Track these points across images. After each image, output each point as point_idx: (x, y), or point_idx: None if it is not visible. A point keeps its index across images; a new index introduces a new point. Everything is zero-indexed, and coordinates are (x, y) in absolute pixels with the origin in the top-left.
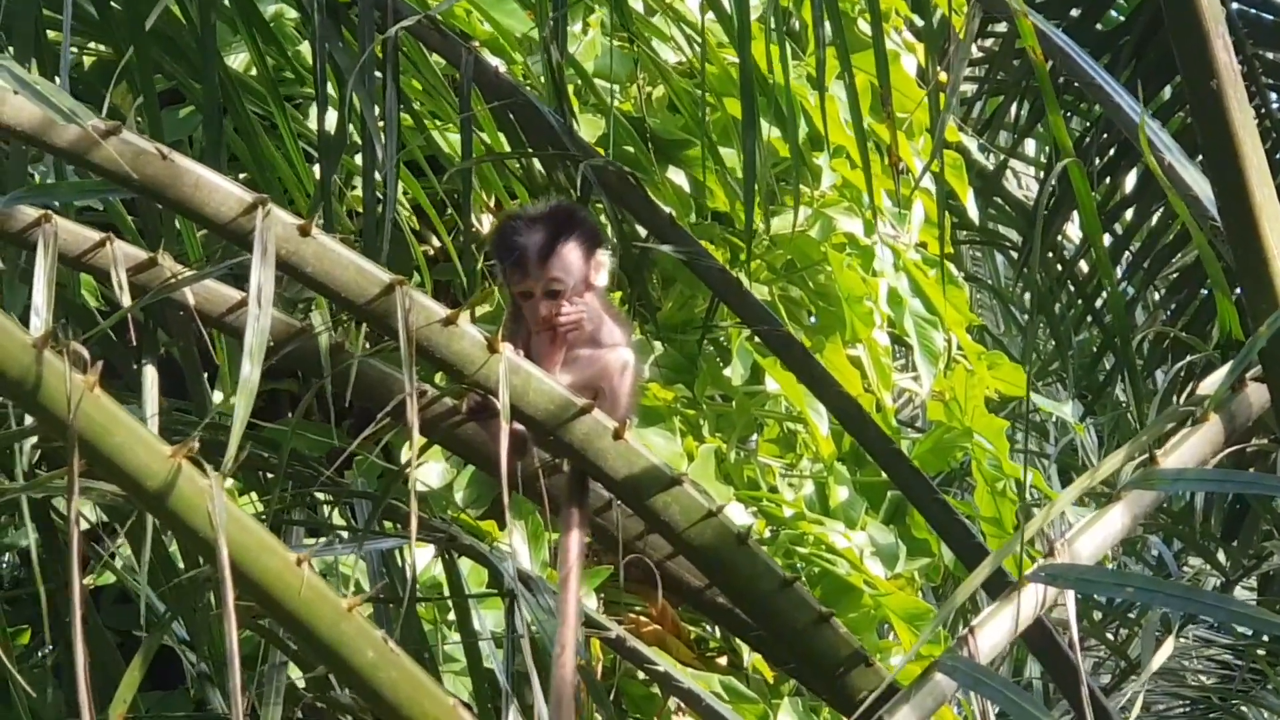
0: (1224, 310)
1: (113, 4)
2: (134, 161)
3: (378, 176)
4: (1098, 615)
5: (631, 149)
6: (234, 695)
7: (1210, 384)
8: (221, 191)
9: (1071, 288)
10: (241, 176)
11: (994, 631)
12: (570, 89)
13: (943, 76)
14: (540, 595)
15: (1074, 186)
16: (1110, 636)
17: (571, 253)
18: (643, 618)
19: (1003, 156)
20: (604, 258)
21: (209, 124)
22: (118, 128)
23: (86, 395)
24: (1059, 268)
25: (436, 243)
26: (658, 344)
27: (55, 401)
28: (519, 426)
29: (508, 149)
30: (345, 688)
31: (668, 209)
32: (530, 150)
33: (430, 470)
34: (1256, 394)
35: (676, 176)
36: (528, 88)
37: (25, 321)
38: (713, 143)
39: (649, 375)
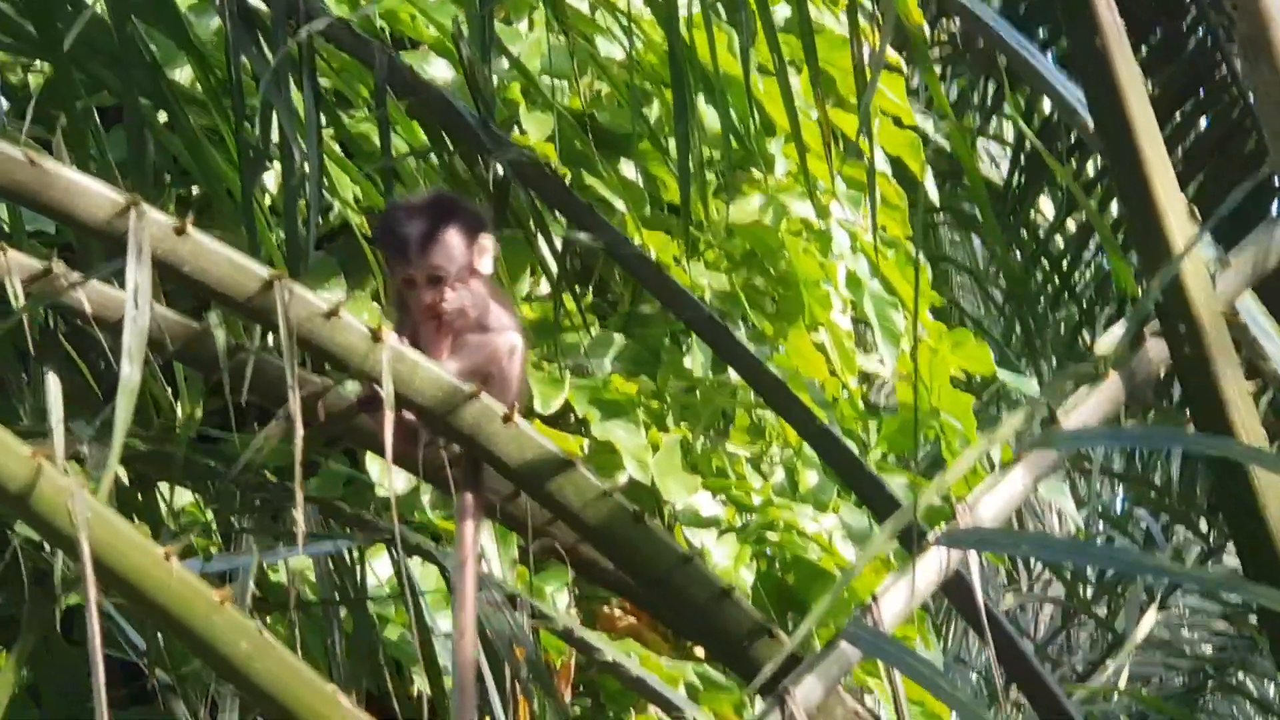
0: (1117, 268)
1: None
2: (1, 168)
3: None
4: (1088, 592)
5: (579, 144)
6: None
7: (1108, 342)
8: (93, 194)
9: (1046, 265)
10: (195, 190)
11: (896, 599)
12: (516, 87)
13: (892, 55)
14: (488, 591)
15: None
16: (1101, 612)
17: (453, 239)
18: (618, 610)
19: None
20: (488, 243)
21: (132, 136)
22: None
23: None
24: (1034, 247)
25: None
26: (618, 336)
27: None
28: (409, 415)
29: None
30: (223, 681)
31: (620, 204)
32: (446, 147)
33: (398, 475)
34: (1156, 350)
35: (629, 170)
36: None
37: None
38: (657, 134)
39: (610, 369)
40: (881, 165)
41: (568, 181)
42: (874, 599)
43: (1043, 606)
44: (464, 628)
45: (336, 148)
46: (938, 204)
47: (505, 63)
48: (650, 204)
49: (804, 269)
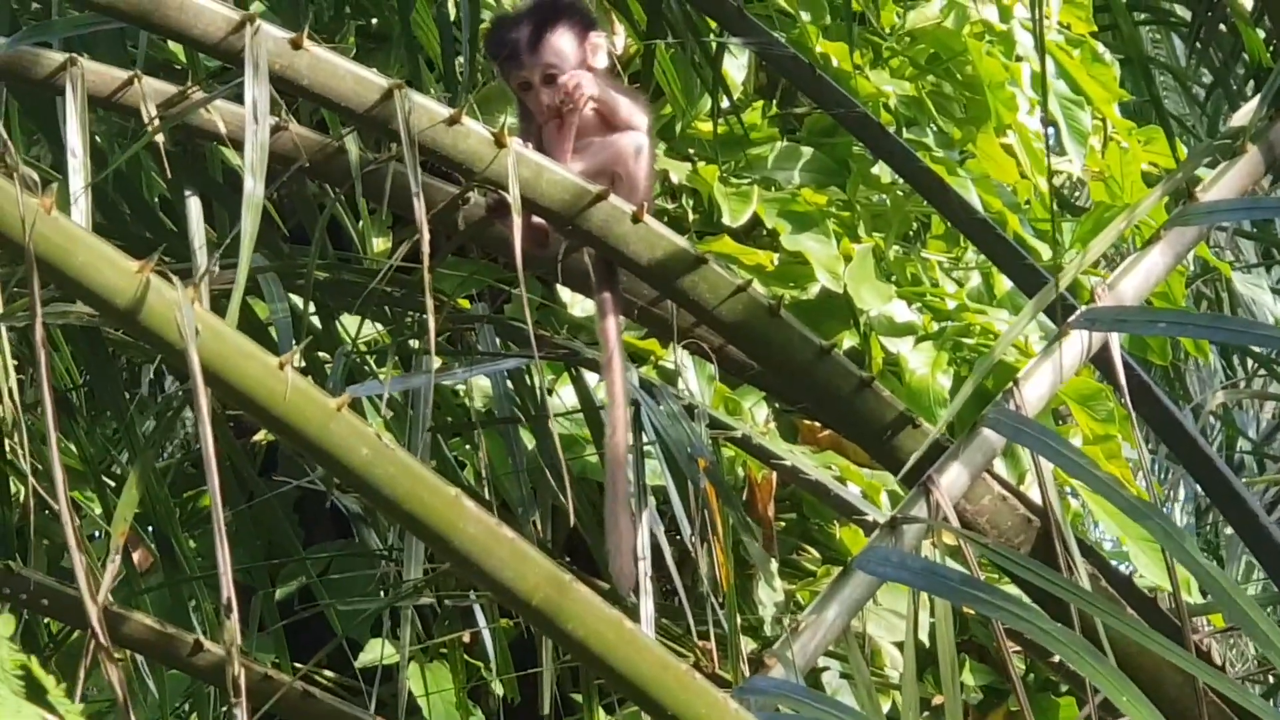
0: (1249, 39)
1: None
2: None
3: None
4: None
5: None
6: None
7: (1244, 114)
8: (208, 12)
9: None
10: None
11: (1040, 382)
12: None
13: None
14: (665, 401)
15: None
16: None
17: (561, 37)
18: (817, 423)
19: None
20: (599, 40)
21: None
22: None
23: (43, 218)
24: (1233, 41)
25: None
26: (806, 148)
27: (10, 226)
28: (537, 219)
29: None
30: (346, 487)
31: (805, 14)
32: None
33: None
34: None
35: None
36: None
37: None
38: None
39: (800, 182)
40: None
41: None
42: (1015, 383)
43: (1261, 405)
44: (615, 424)
45: None
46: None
47: None
48: (831, 14)
49: (987, 71)
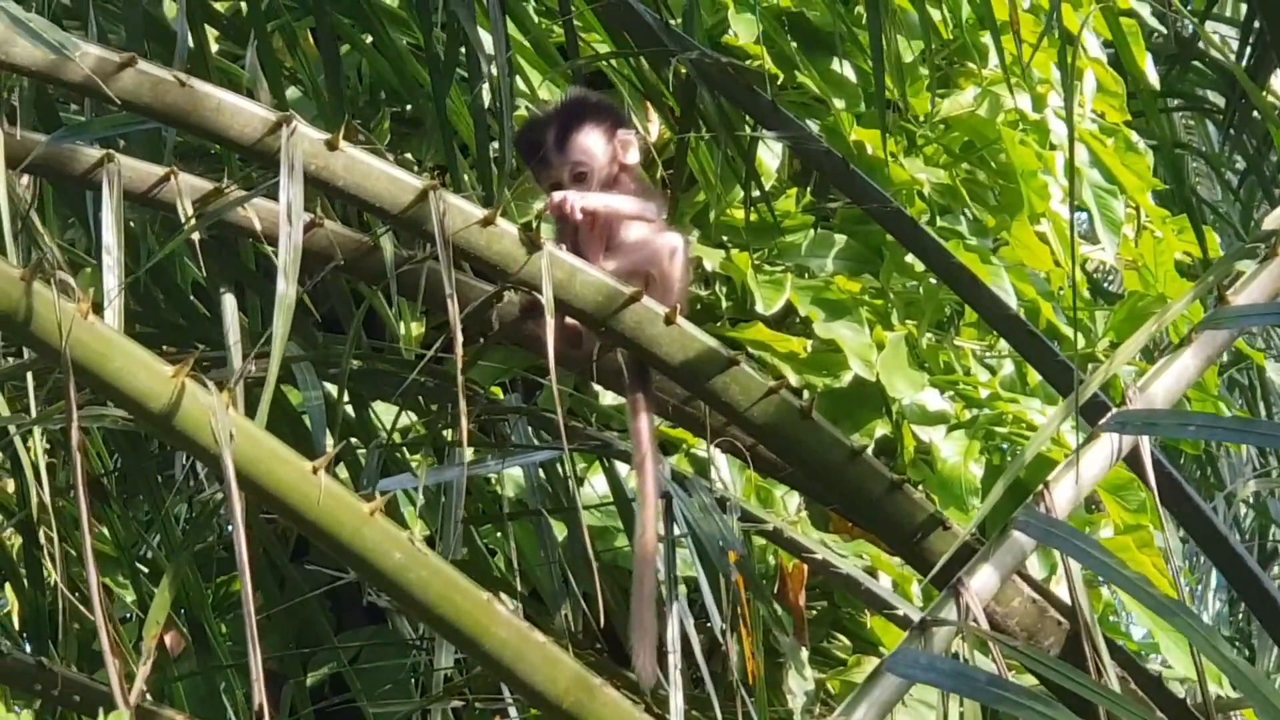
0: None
1: None
2: (153, 90)
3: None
4: None
5: (795, 43)
6: (246, 605)
7: (1277, 217)
8: (245, 113)
9: None
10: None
11: (1070, 484)
12: None
13: None
14: (696, 494)
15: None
16: None
17: (588, 135)
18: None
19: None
20: (629, 136)
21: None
22: (132, 59)
23: (79, 323)
24: (1267, 129)
25: None
26: (839, 235)
27: (48, 332)
28: (571, 321)
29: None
30: (378, 592)
31: (840, 101)
32: (629, 49)
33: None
34: None
35: (844, 68)
36: None
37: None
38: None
39: (833, 269)
40: (1097, 52)
41: (779, 82)
42: (1045, 486)
43: None
44: (645, 523)
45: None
46: (1158, 88)
47: None
48: (865, 101)
49: (1021, 160)
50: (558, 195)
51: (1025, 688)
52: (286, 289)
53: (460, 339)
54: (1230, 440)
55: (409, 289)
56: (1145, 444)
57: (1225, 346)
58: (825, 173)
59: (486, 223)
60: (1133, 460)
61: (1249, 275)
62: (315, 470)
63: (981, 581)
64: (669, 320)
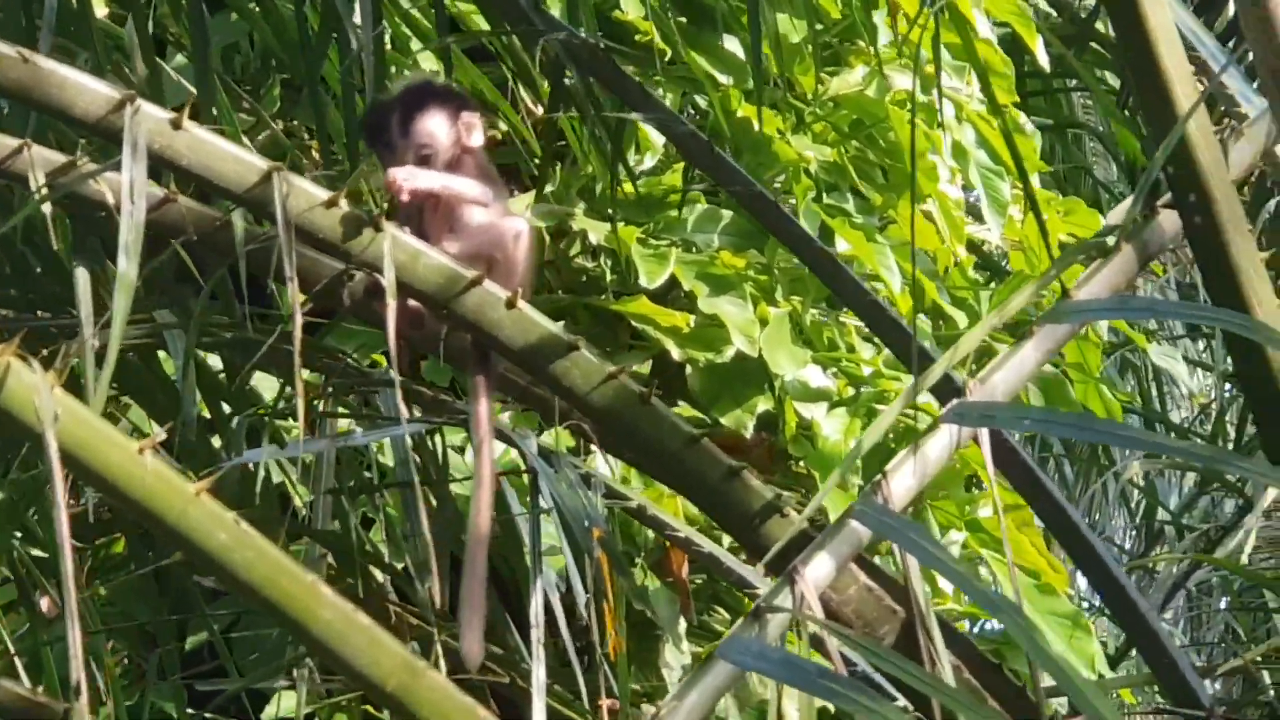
0: (1124, 139)
1: None
2: None
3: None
4: None
5: (685, 19)
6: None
7: (1119, 213)
8: (89, 91)
9: None
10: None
11: (907, 475)
12: None
13: None
14: (562, 470)
15: None
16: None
17: (431, 119)
18: None
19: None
20: (473, 119)
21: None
22: None
23: None
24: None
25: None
26: (725, 210)
27: None
28: (414, 303)
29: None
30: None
31: (726, 79)
32: (498, 29)
33: None
34: (1169, 221)
35: (732, 45)
36: None
37: None
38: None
39: (719, 245)
40: (987, 32)
41: (667, 58)
42: (884, 475)
43: (1183, 475)
44: (480, 505)
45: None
46: (1048, 70)
47: None
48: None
49: (908, 139)
50: (390, 173)
51: (855, 680)
52: (127, 267)
53: (300, 320)
54: (1066, 435)
55: (261, 266)
56: (984, 436)
57: (1066, 339)
58: (690, 156)
59: (330, 204)
60: (999, 446)
61: (1092, 270)
62: (141, 451)
63: (818, 569)
64: (510, 304)
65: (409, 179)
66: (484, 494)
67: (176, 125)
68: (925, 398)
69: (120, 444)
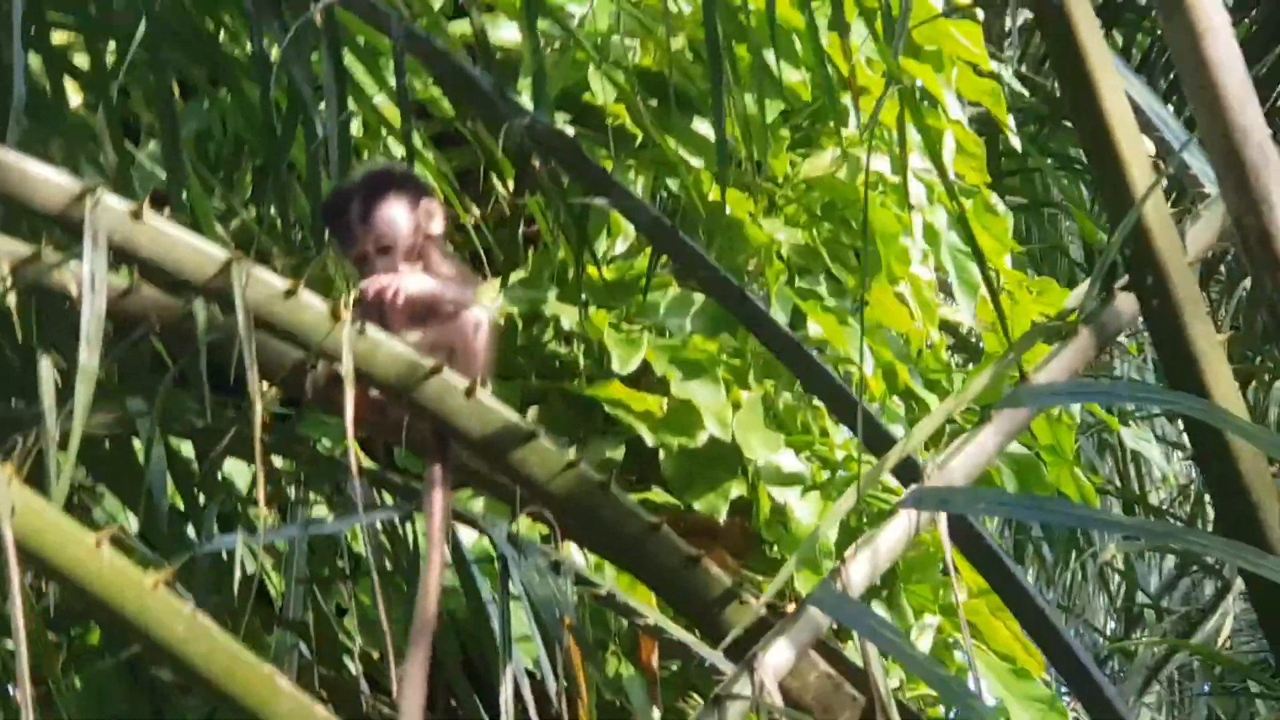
0: (1081, 222)
1: None
2: None
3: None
4: None
5: (656, 101)
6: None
7: (1077, 296)
8: (49, 184)
9: None
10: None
11: (865, 562)
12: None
13: None
14: (532, 557)
15: None
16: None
17: (392, 207)
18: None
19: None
20: (433, 207)
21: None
22: None
23: None
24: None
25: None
26: (698, 295)
27: None
28: (374, 392)
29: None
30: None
31: (698, 162)
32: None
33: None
34: (1127, 304)
35: (703, 128)
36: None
37: None
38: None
39: (691, 329)
40: (957, 113)
41: (638, 141)
42: (843, 561)
43: (1163, 557)
44: (428, 589)
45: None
46: (1019, 149)
47: (574, 23)
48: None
49: (881, 222)
50: (382, 281)
51: None
52: (89, 358)
53: (261, 408)
54: (1021, 517)
55: (225, 355)
56: (942, 521)
57: (1026, 424)
58: (652, 241)
59: (289, 295)
60: (964, 532)
61: (1051, 354)
62: (98, 544)
63: (777, 656)
64: (469, 393)
65: (401, 288)
66: (432, 579)
67: (137, 216)
68: (895, 482)
69: (77, 537)
